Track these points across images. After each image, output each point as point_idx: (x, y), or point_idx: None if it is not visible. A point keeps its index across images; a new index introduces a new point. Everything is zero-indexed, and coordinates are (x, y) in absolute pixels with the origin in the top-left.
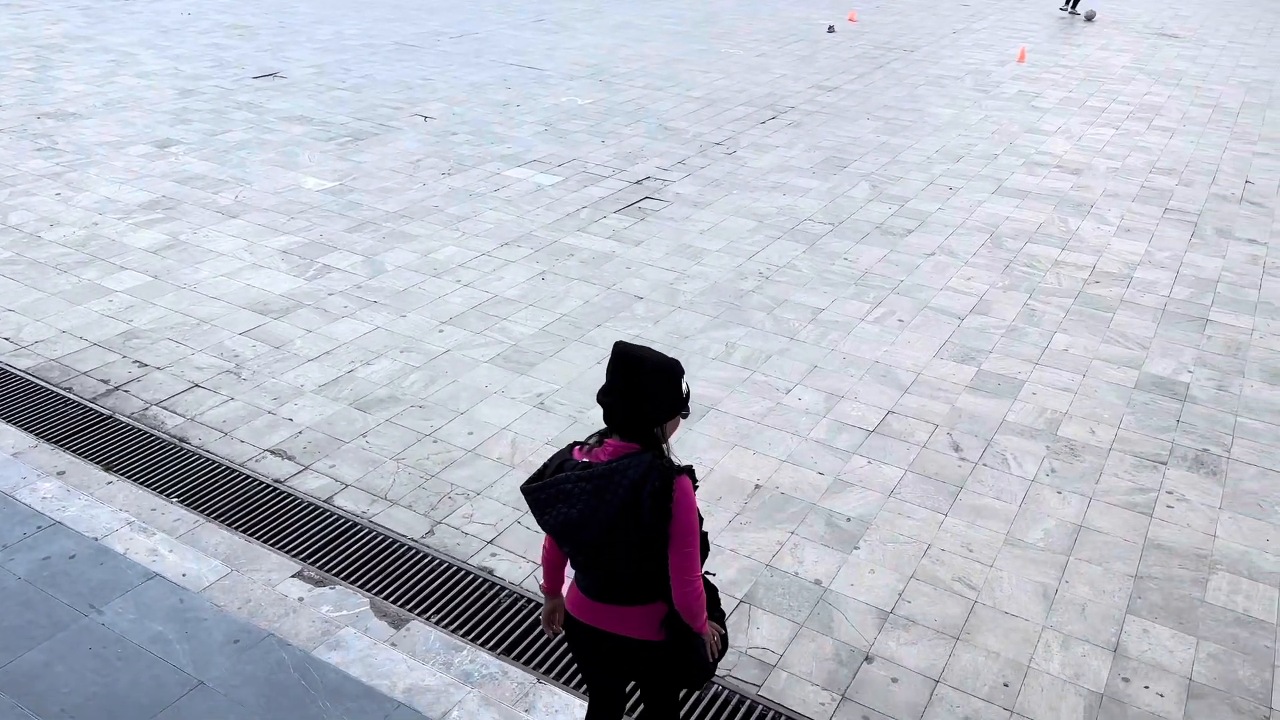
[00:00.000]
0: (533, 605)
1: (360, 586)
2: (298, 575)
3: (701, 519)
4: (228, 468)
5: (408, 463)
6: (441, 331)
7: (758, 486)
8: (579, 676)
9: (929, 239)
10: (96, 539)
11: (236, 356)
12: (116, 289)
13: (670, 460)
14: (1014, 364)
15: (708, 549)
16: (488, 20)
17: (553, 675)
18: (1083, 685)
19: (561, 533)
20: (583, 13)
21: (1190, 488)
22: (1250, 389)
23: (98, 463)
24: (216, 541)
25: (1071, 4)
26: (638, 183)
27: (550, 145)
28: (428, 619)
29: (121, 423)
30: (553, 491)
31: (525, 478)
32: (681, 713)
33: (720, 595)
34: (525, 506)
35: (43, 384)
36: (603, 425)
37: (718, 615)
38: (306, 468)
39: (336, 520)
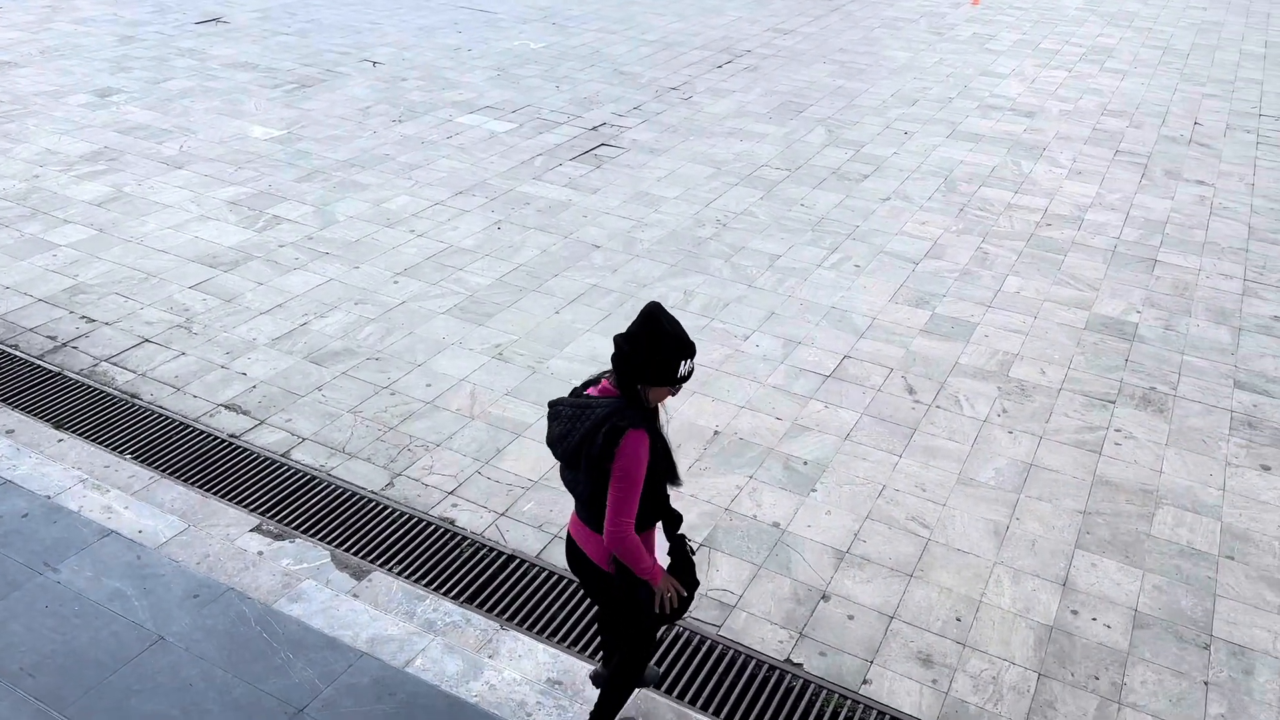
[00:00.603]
0: (494, 554)
1: (320, 540)
2: (256, 530)
3: (672, 481)
4: (181, 423)
5: (365, 415)
6: (396, 283)
7: (716, 433)
8: (541, 622)
9: (884, 184)
10: (49, 497)
11: (187, 310)
12: (60, 243)
13: (638, 416)
14: (967, 307)
15: (674, 516)
16: None
17: (515, 621)
18: (1033, 618)
19: (551, 447)
20: None
21: (1137, 425)
22: (1196, 328)
23: (48, 420)
24: (172, 497)
25: None
26: (593, 129)
27: (503, 91)
28: (389, 570)
29: (71, 379)
30: (552, 411)
31: (484, 429)
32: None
33: (695, 565)
34: (485, 457)
35: None
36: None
37: (690, 581)
38: (262, 422)
39: (294, 474)
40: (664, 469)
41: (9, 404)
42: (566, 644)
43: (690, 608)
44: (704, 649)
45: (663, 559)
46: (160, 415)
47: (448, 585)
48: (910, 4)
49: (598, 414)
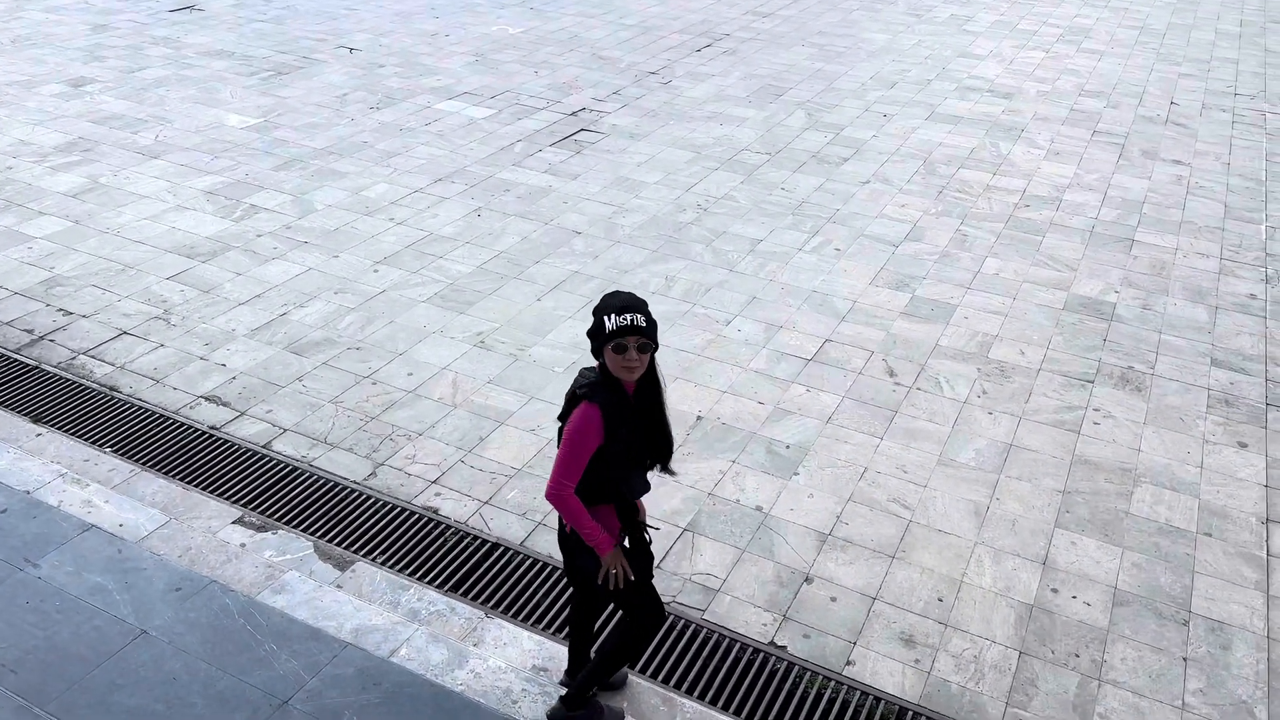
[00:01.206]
0: (479, 542)
1: (303, 531)
2: (238, 521)
3: (634, 471)
4: (161, 416)
5: (346, 405)
6: (376, 271)
7: (699, 418)
8: (526, 609)
9: (864, 167)
10: (28, 492)
11: (165, 302)
12: (36, 235)
13: (602, 391)
14: (947, 289)
15: (633, 509)
16: None
17: (500, 609)
18: (1013, 597)
19: None
20: None
21: (1116, 404)
22: (1174, 307)
23: (25, 414)
24: (153, 490)
25: None
26: (573, 114)
27: (482, 76)
28: (373, 560)
29: (48, 373)
30: None
31: (467, 417)
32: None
33: (653, 560)
34: (467, 446)
35: None
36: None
37: (641, 567)
38: (242, 413)
39: (276, 465)
40: (627, 455)
41: None
42: (551, 631)
43: (639, 599)
44: (688, 633)
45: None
46: (140, 408)
47: (432, 574)
48: None
49: (577, 382)
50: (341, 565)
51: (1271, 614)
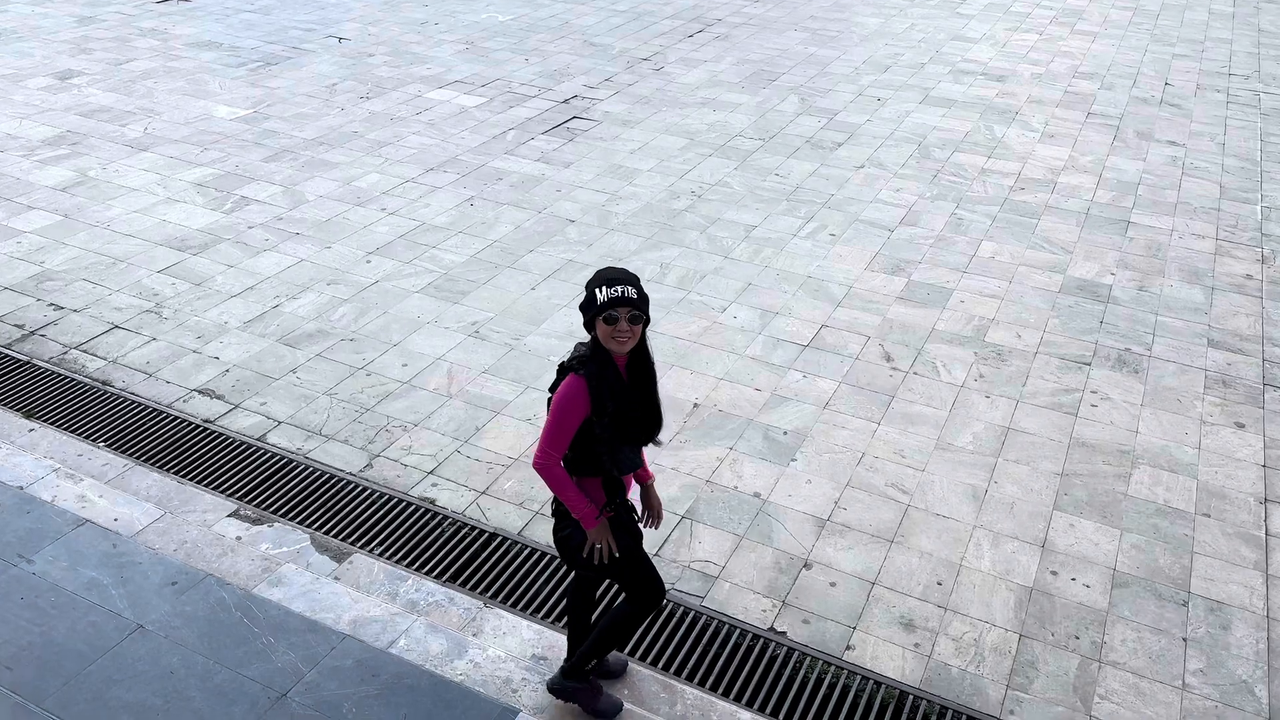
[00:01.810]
0: (476, 533)
1: (299, 523)
2: (234, 515)
3: (621, 446)
4: (155, 409)
5: (341, 397)
6: (369, 262)
7: (696, 405)
8: (524, 599)
9: (858, 151)
10: (21, 488)
11: (156, 295)
12: (25, 230)
13: (590, 364)
14: (943, 273)
15: (617, 484)
16: None
17: (499, 599)
18: (1013, 580)
19: None
20: None
21: (1113, 386)
22: (1170, 288)
23: (18, 410)
24: (148, 485)
25: None
26: (565, 102)
27: (472, 65)
28: (370, 551)
29: (40, 368)
30: None
31: (463, 408)
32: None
33: (640, 537)
34: (464, 436)
35: None
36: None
37: (625, 545)
38: (236, 406)
39: (271, 458)
40: (614, 428)
41: None
42: (550, 620)
43: (632, 575)
44: (688, 620)
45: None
46: (133, 402)
47: (430, 565)
48: None
49: (570, 354)
50: (339, 557)
51: (1271, 594)
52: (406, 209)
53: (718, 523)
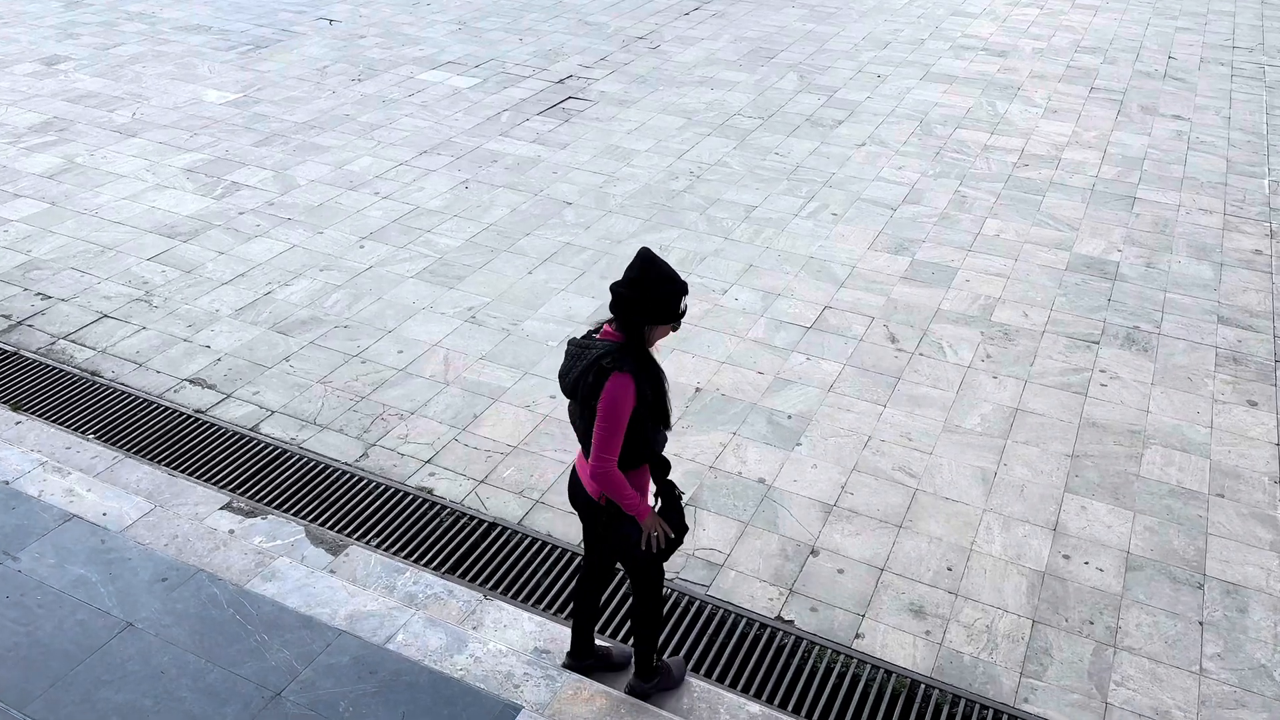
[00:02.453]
0: (475, 523)
1: (294, 515)
2: (226, 507)
3: (664, 426)
4: (145, 400)
5: (335, 385)
6: (362, 247)
7: (698, 389)
8: (526, 590)
9: (859, 129)
10: (7, 482)
11: (146, 283)
12: (12, 218)
13: (629, 360)
14: (947, 252)
15: (663, 463)
16: None
17: (500, 590)
18: (1024, 564)
19: (559, 381)
20: None
21: (1122, 365)
22: (1178, 264)
23: (4, 402)
24: (138, 477)
25: None
26: (560, 82)
27: (466, 45)
28: (367, 544)
29: (27, 359)
30: (566, 350)
31: (460, 395)
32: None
33: (684, 508)
34: (461, 424)
35: None
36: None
37: (676, 522)
38: (228, 396)
39: (264, 448)
40: (652, 414)
41: None
42: (553, 611)
43: (678, 549)
44: (693, 610)
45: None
46: (122, 393)
47: (428, 557)
48: None
49: (593, 354)
50: (334, 550)
51: None
52: (400, 193)
53: (722, 509)
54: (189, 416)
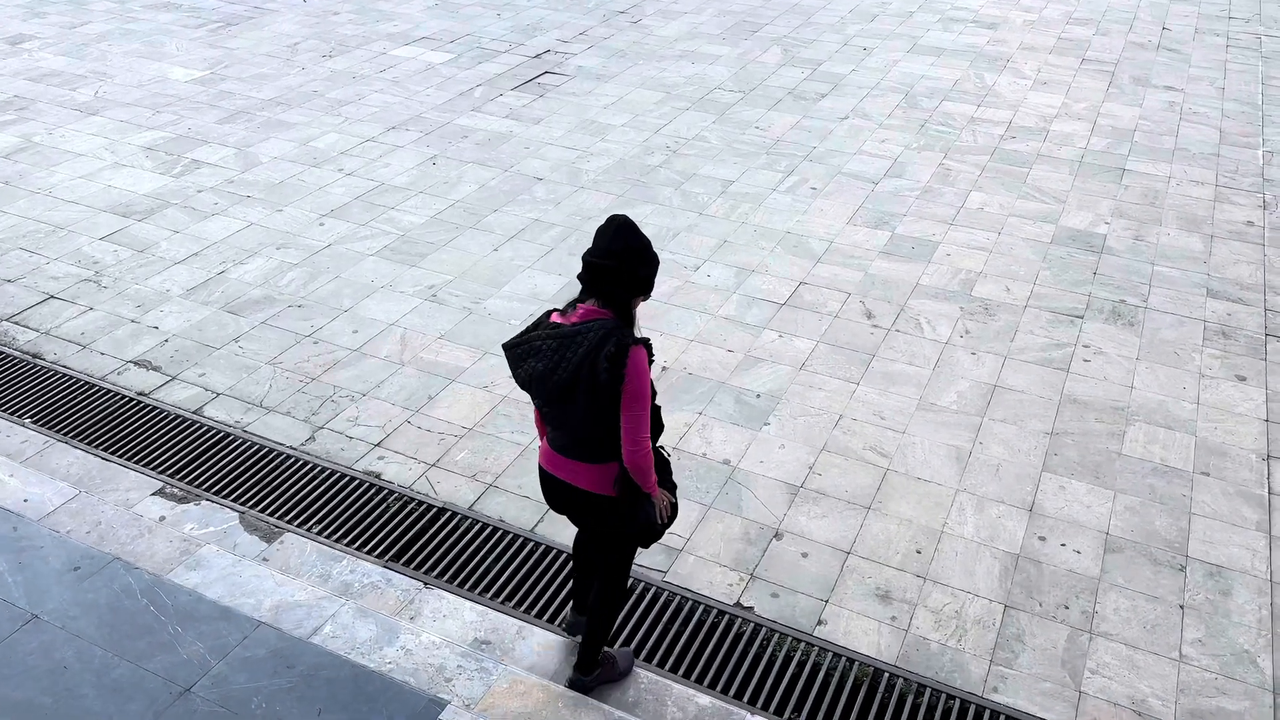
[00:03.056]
0: (424, 508)
1: (231, 500)
2: (159, 493)
3: (655, 393)
4: (85, 383)
5: (285, 367)
6: (322, 225)
7: (664, 368)
8: (472, 578)
9: (843, 102)
10: None
11: (96, 263)
12: None
13: (630, 331)
14: (928, 226)
15: (661, 426)
16: None
17: (444, 578)
18: (998, 547)
19: (530, 385)
20: None
21: (1107, 340)
22: (1167, 237)
23: None
24: (68, 462)
25: None
26: (537, 57)
27: (441, 20)
28: (306, 530)
29: None
30: (525, 348)
31: (415, 376)
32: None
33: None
34: (415, 406)
35: None
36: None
37: (669, 485)
38: (173, 378)
39: (206, 432)
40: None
41: None
42: (500, 599)
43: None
44: (648, 597)
45: None
46: (62, 375)
47: (370, 543)
48: None
49: (593, 339)
50: (269, 537)
51: (1274, 556)
52: (365, 169)
53: (683, 492)
54: (130, 399)
